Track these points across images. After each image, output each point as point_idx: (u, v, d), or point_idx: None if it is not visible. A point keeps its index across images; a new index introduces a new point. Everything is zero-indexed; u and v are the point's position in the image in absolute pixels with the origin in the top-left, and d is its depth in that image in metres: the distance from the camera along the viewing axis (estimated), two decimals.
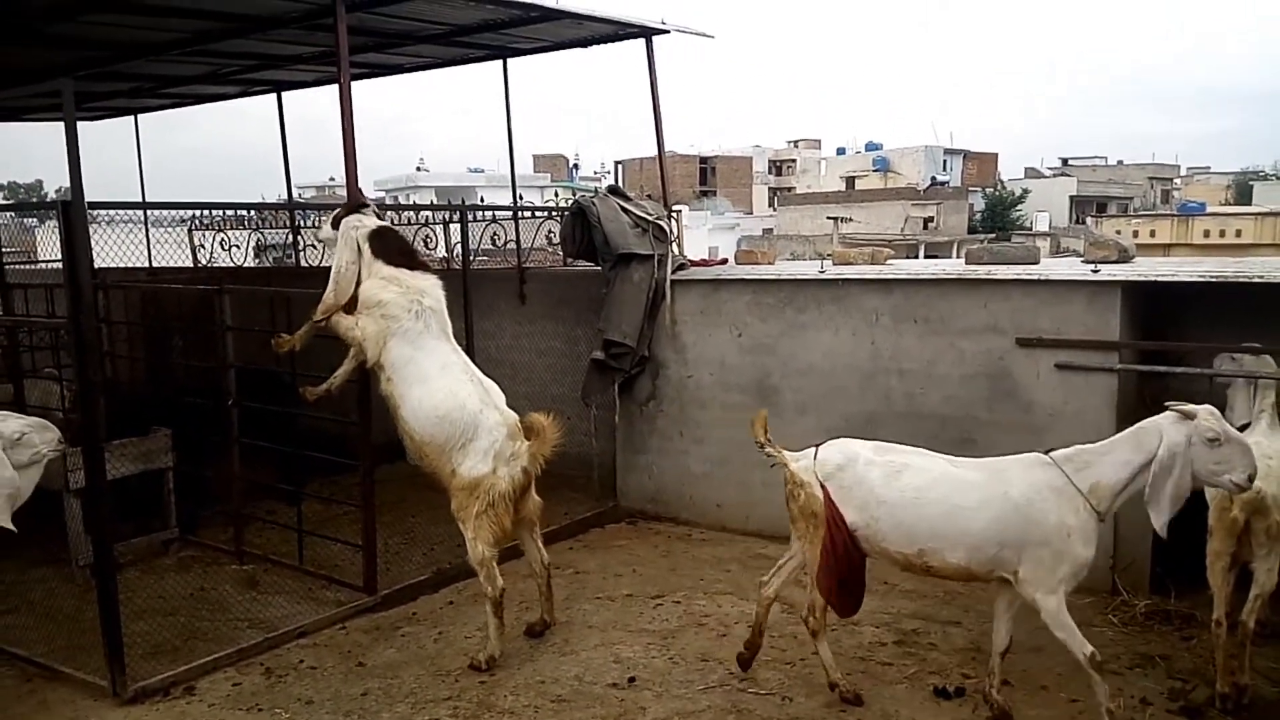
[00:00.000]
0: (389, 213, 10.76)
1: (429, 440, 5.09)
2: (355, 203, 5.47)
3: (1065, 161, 68.26)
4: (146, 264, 10.99)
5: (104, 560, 4.85)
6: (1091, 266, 6.10)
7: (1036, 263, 6.51)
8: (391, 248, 5.25)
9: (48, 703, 4.87)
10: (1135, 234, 42.26)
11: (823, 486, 4.45)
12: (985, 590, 5.99)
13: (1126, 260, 6.41)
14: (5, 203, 22.44)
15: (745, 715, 4.58)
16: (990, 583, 4.44)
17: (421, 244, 9.39)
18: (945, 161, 60.28)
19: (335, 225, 5.42)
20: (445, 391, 5.08)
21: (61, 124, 4.55)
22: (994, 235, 44.13)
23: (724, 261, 8.39)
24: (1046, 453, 4.35)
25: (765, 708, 4.64)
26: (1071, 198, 58.28)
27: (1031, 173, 64.96)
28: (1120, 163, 67.71)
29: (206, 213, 10.63)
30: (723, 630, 5.54)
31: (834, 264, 7.27)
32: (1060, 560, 4.16)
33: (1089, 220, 51.82)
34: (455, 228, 10.03)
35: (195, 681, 5.03)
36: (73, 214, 4.58)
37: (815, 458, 4.56)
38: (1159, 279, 5.80)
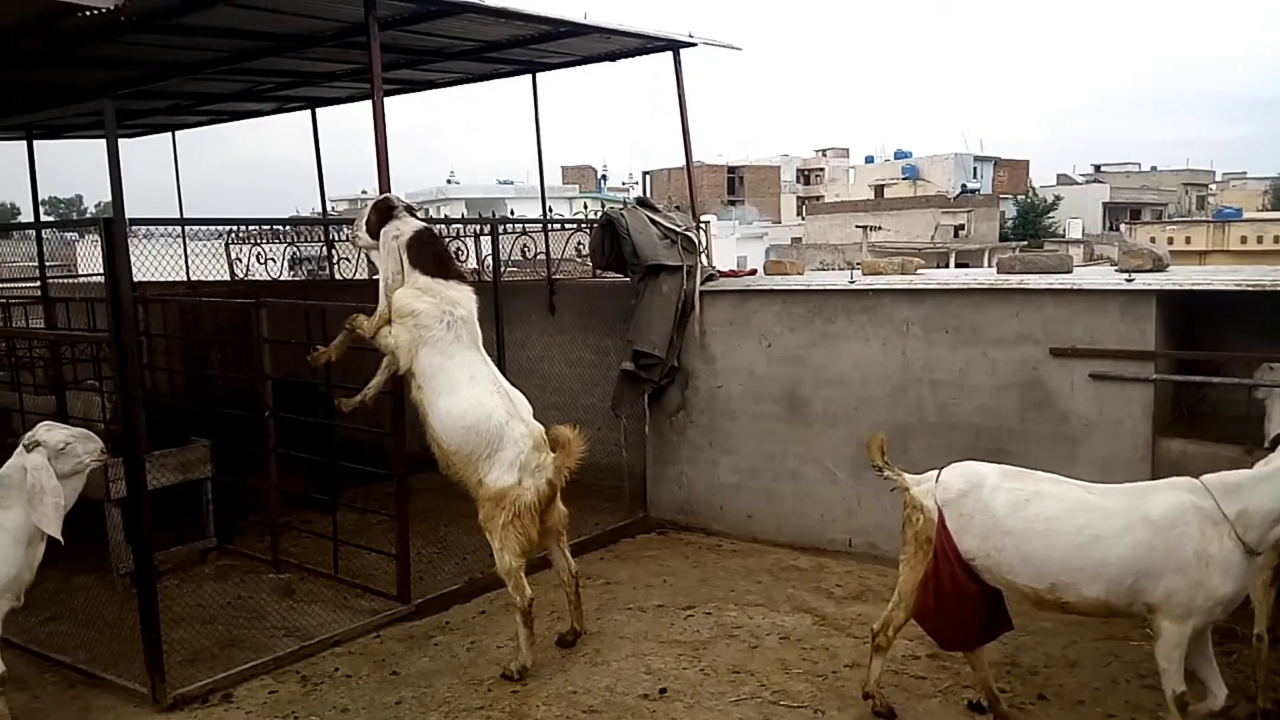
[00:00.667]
0: None
1: (456, 450, 5.15)
2: (386, 203, 5.39)
3: (1098, 168, 67.53)
4: (185, 277, 11.19)
5: (145, 569, 4.95)
6: (1126, 275, 6.04)
7: (1069, 271, 6.46)
8: (427, 256, 5.27)
9: (90, 709, 4.96)
10: (1170, 241, 41.68)
11: (939, 512, 4.22)
12: (1021, 602, 5.97)
13: (1161, 268, 6.34)
14: (50, 219, 22.88)
15: None
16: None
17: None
18: (976, 169, 59.89)
19: (373, 233, 5.42)
20: (472, 402, 5.13)
21: (101, 140, 4.66)
22: (1026, 243, 43.73)
23: (753, 272, 8.39)
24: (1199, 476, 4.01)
25: None
26: (1104, 204, 57.63)
27: (1064, 179, 64.32)
28: (1154, 168, 66.90)
29: (243, 228, 10.82)
30: (754, 642, 5.53)
31: (864, 274, 7.26)
32: (1195, 592, 3.82)
33: (1122, 227, 51.22)
34: (486, 240, 10.15)
35: (233, 689, 5.11)
36: (114, 231, 4.69)
37: (937, 481, 4.32)
38: (1195, 287, 5.74)
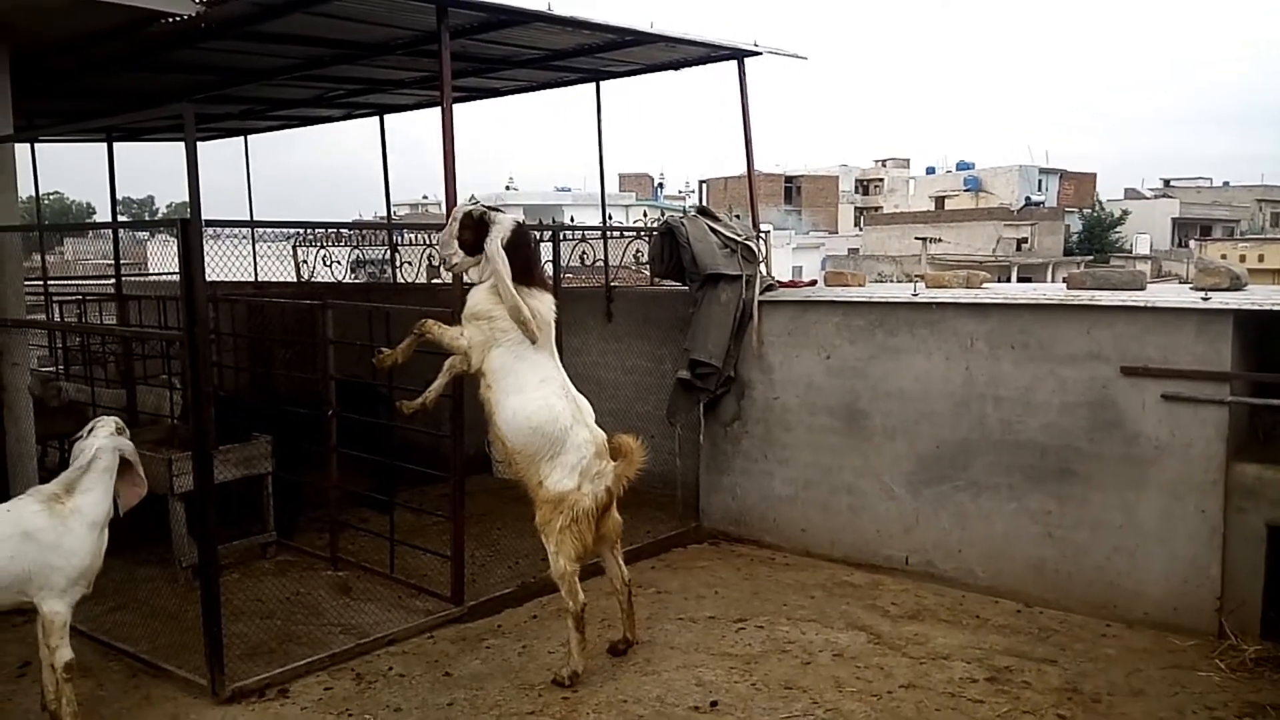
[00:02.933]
0: None
1: (520, 449, 5.18)
2: (475, 217, 5.25)
3: (1167, 182, 65.80)
4: (252, 278, 11.45)
5: (208, 564, 5.04)
6: (1201, 294, 5.85)
7: (1142, 289, 6.28)
8: (517, 264, 5.21)
9: (151, 698, 5.07)
10: (1242, 258, 40.29)
11: None
12: (1083, 628, 5.83)
13: (1239, 288, 6.14)
14: (127, 220, 23.61)
15: None
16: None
17: None
18: (1040, 181, 58.74)
19: (470, 251, 5.26)
20: (540, 403, 5.15)
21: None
22: (1091, 258, 42.73)
23: (813, 283, 8.32)
24: None
25: None
26: (1174, 220, 56.12)
27: (1132, 194, 62.79)
28: (1226, 184, 64.94)
29: (309, 230, 11.05)
30: (806, 658, 5.46)
31: (927, 287, 7.14)
32: None
33: (1192, 244, 49.77)
34: (545, 246, 10.22)
35: (289, 684, 5.18)
36: (190, 231, 4.80)
37: None
38: (1276, 308, 5.54)
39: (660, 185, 64.59)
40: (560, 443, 5.10)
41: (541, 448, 5.12)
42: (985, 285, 7.18)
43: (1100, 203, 57.74)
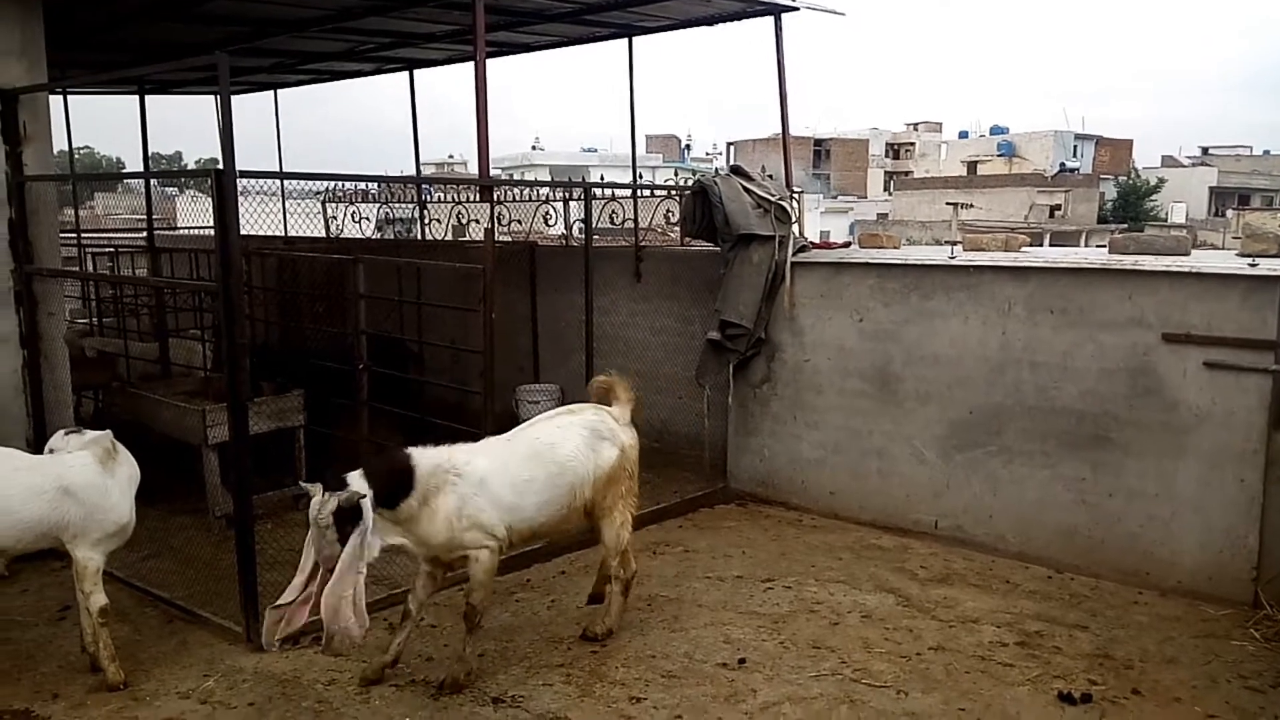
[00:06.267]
0: (513, 189, 10.95)
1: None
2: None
3: (1205, 150, 64.37)
4: (282, 233, 11.48)
5: (244, 514, 5.10)
6: (1248, 260, 5.72)
7: (1186, 254, 6.15)
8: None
9: (187, 644, 5.16)
10: None
11: None
12: (1114, 595, 5.79)
13: None
14: (160, 170, 23.65)
15: (859, 707, 4.50)
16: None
17: (542, 220, 9.55)
18: (1075, 147, 57.65)
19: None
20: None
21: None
22: (1126, 226, 41.99)
23: (847, 244, 8.22)
24: None
25: (880, 700, 4.56)
26: (1211, 188, 54.95)
27: (1169, 161, 61.52)
28: (1266, 152, 63.39)
29: (338, 187, 11.04)
30: (835, 619, 5.46)
31: (965, 249, 7.03)
32: None
33: (1229, 213, 48.75)
34: (574, 206, 10.18)
35: (322, 631, 5.24)
36: (225, 181, 4.78)
37: None
38: None
39: (687, 147, 64.03)
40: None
41: None
42: (1024, 249, 7.06)
43: (1136, 170, 56.63)
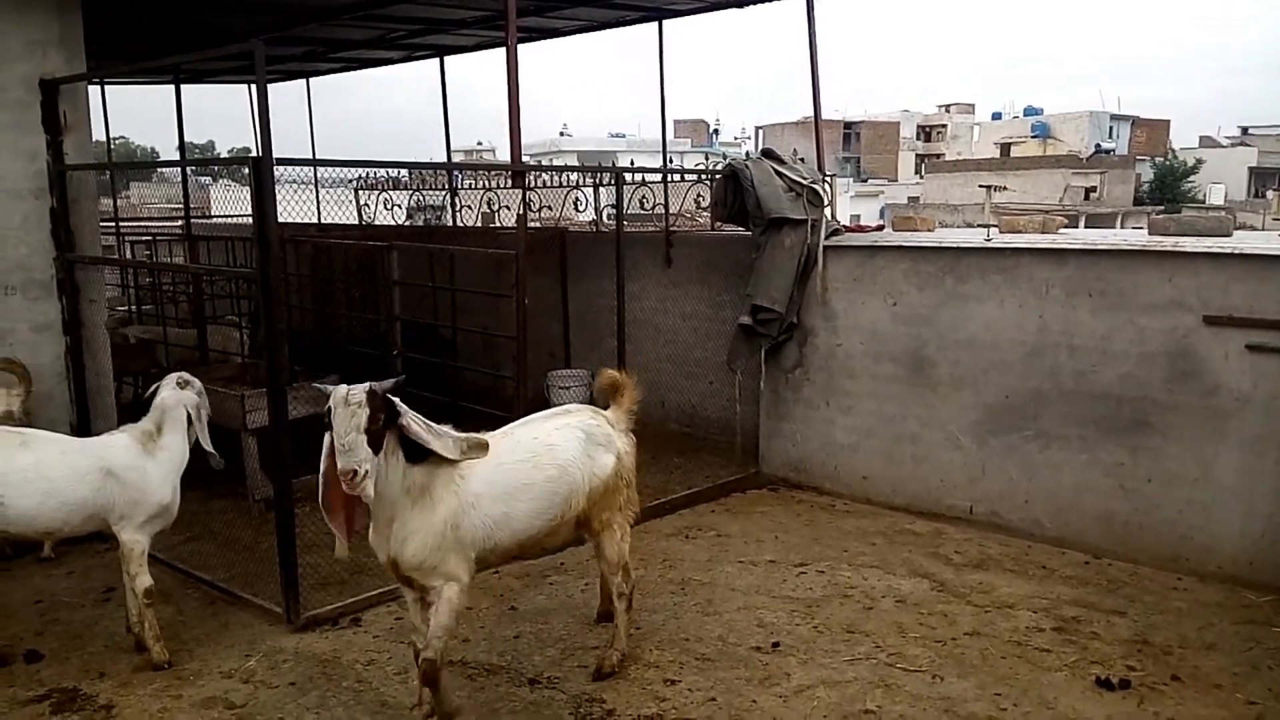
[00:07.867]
0: (543, 175, 10.95)
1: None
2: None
3: (1245, 130, 62.94)
4: (316, 220, 11.57)
5: (284, 498, 5.17)
6: None
7: (1228, 235, 6.04)
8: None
9: (229, 625, 5.26)
10: None
11: None
12: (1152, 580, 5.73)
13: None
14: (198, 158, 23.90)
15: (894, 691, 4.50)
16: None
17: (572, 206, 9.56)
18: (1111, 128, 56.60)
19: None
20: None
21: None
22: (1162, 208, 41.26)
23: (880, 228, 8.15)
24: None
25: (915, 684, 4.55)
26: (1251, 169, 53.77)
27: (1207, 142, 60.22)
28: None
29: (370, 175, 11.11)
30: (869, 603, 5.45)
31: (1001, 231, 6.95)
32: None
33: (1270, 194, 47.71)
34: (604, 191, 10.17)
35: (361, 614, 5.33)
36: (263, 169, 4.84)
37: None
38: None
39: (715, 131, 63.67)
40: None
41: None
42: (1061, 231, 6.97)
43: (1173, 151, 55.52)
